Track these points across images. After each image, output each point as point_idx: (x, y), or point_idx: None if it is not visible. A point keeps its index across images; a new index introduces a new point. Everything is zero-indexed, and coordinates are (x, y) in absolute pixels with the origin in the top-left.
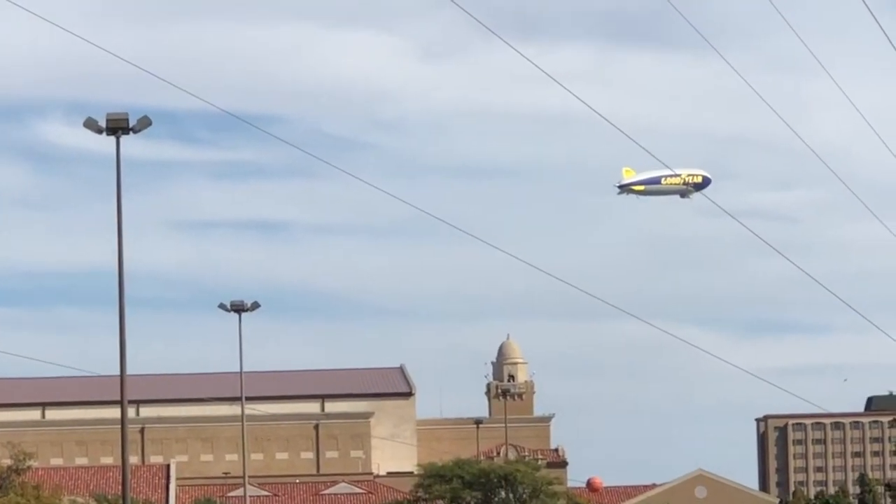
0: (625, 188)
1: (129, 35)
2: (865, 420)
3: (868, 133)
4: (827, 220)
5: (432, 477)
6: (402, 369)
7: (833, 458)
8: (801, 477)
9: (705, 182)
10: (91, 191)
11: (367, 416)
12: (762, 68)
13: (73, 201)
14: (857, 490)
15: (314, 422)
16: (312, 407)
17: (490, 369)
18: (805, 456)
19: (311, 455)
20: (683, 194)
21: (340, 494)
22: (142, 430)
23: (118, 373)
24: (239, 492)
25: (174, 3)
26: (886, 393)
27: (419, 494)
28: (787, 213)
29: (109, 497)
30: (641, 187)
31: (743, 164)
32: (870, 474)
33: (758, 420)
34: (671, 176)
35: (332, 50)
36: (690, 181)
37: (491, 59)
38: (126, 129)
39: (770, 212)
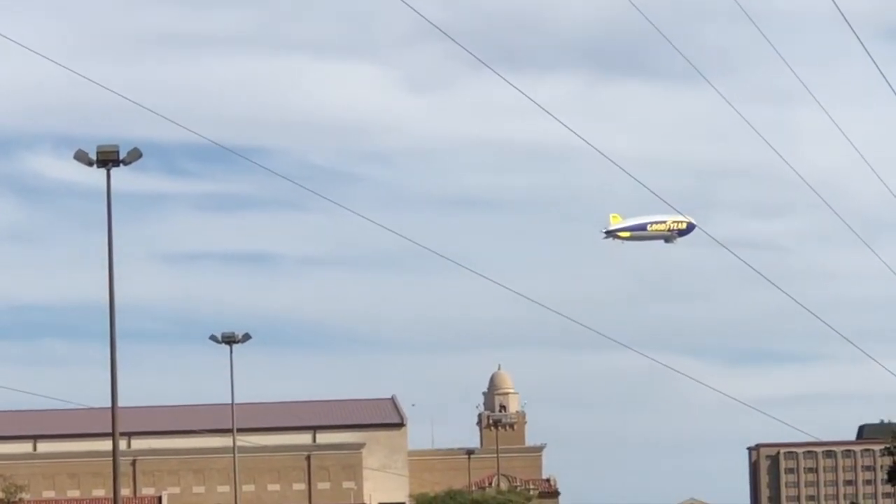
0: (611, 234)
1: (117, 67)
2: (857, 448)
3: (858, 162)
4: (816, 250)
5: None
6: (393, 400)
7: (825, 486)
8: None
9: (689, 228)
10: (79, 223)
11: (358, 446)
12: (750, 98)
13: (60, 234)
14: None
15: (306, 453)
16: (304, 438)
17: (481, 399)
18: (797, 485)
19: (302, 486)
20: (668, 239)
21: None
22: (133, 462)
23: (109, 405)
24: None
25: (162, 36)
26: (878, 421)
27: None
28: (776, 243)
29: None
30: (627, 234)
31: (731, 194)
32: (862, 503)
33: (749, 449)
34: (657, 223)
35: (320, 81)
36: (675, 227)
37: (479, 91)
38: (116, 162)
39: (759, 241)
